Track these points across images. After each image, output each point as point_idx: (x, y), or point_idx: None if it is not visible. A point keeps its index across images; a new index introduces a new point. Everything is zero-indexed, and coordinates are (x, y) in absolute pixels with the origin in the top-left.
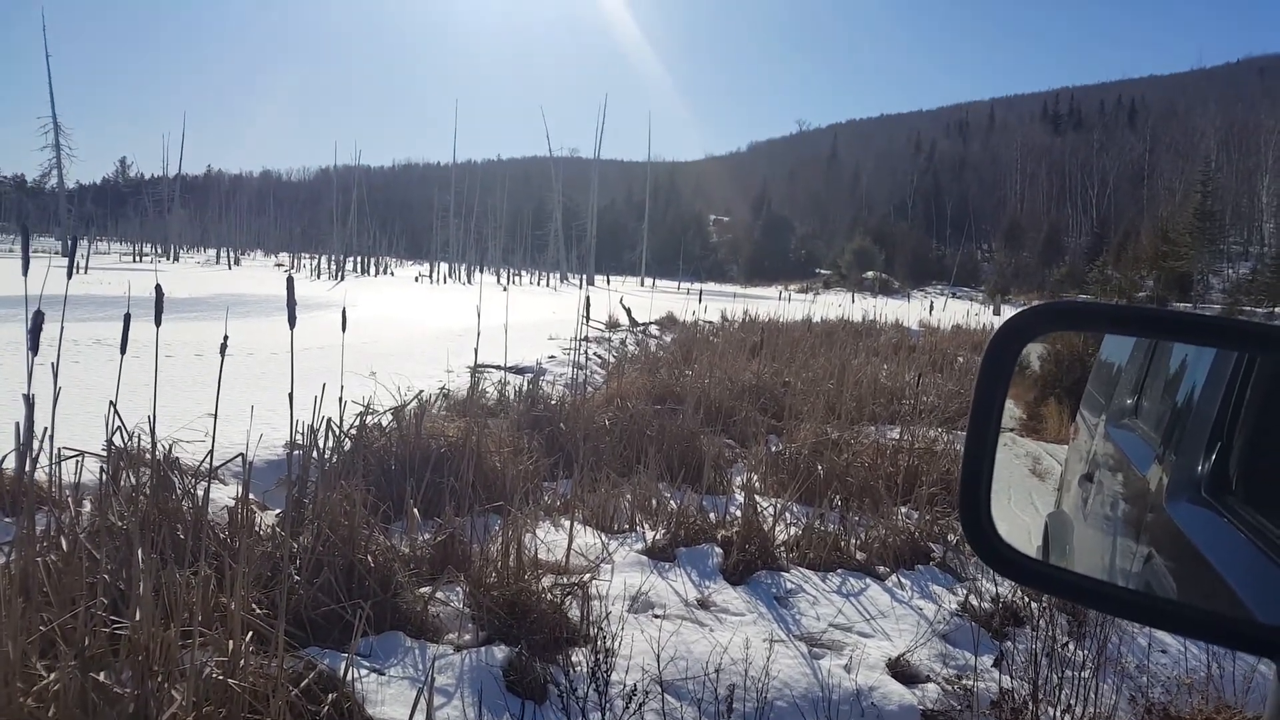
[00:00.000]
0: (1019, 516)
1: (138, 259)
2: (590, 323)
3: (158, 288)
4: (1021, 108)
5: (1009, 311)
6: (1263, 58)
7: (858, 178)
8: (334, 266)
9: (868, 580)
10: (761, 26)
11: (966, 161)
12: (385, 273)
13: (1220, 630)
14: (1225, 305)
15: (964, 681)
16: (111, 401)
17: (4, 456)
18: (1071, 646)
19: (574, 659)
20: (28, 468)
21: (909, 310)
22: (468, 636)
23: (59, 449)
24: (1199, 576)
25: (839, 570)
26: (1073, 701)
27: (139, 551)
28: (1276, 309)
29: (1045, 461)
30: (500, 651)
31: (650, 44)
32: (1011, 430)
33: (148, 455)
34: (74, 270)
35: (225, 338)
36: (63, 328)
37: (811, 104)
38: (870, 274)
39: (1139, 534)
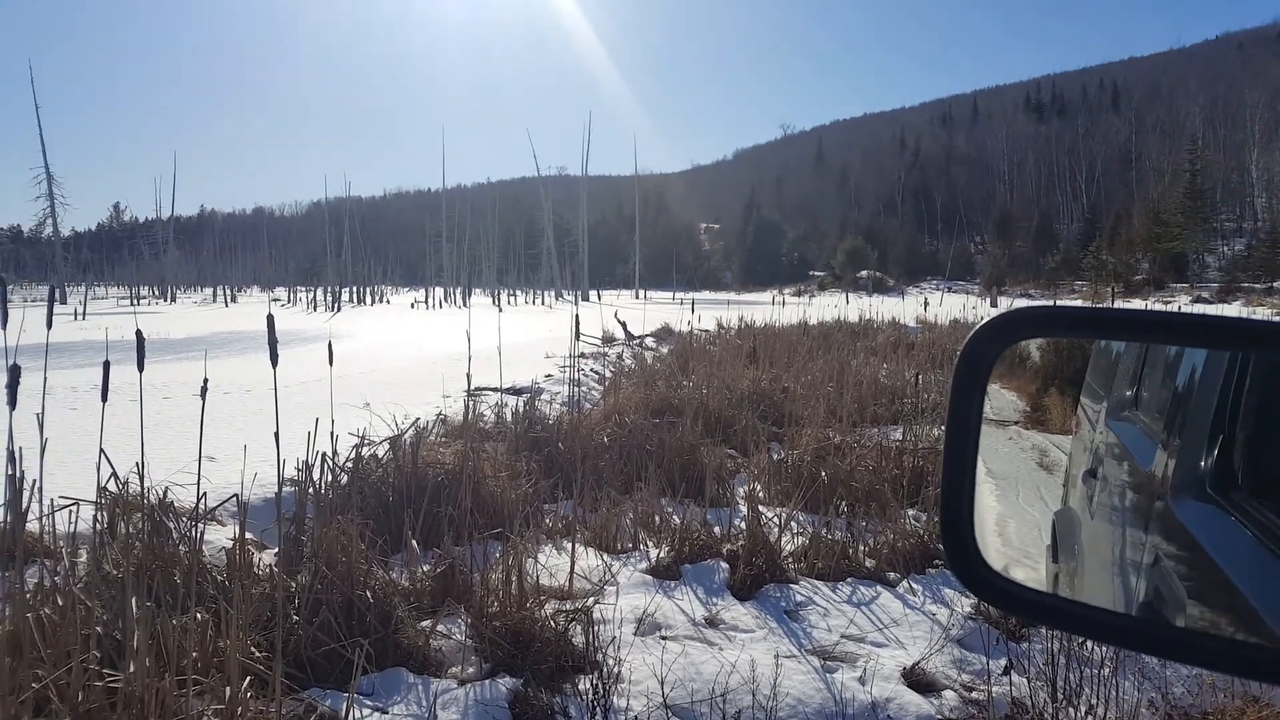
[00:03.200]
0: (1029, 512)
1: (135, 302)
2: (584, 339)
3: (138, 333)
4: (1005, 98)
5: (1006, 303)
6: (1241, 33)
7: (845, 178)
8: (330, 298)
9: (878, 588)
10: (739, 35)
11: (953, 155)
12: (381, 301)
13: (1239, 660)
14: (1223, 283)
15: (981, 688)
16: (101, 449)
17: None
18: (1089, 644)
19: (581, 687)
20: (16, 520)
21: (905, 307)
22: (471, 669)
23: (53, 498)
24: (1208, 580)
25: (849, 579)
26: (1094, 702)
27: (132, 600)
28: (1275, 284)
29: (1052, 454)
30: (505, 684)
31: (631, 61)
32: (1016, 424)
33: (142, 500)
34: (73, 316)
35: (205, 380)
36: (45, 377)
37: (795, 107)
38: (864, 273)
39: (1146, 534)
